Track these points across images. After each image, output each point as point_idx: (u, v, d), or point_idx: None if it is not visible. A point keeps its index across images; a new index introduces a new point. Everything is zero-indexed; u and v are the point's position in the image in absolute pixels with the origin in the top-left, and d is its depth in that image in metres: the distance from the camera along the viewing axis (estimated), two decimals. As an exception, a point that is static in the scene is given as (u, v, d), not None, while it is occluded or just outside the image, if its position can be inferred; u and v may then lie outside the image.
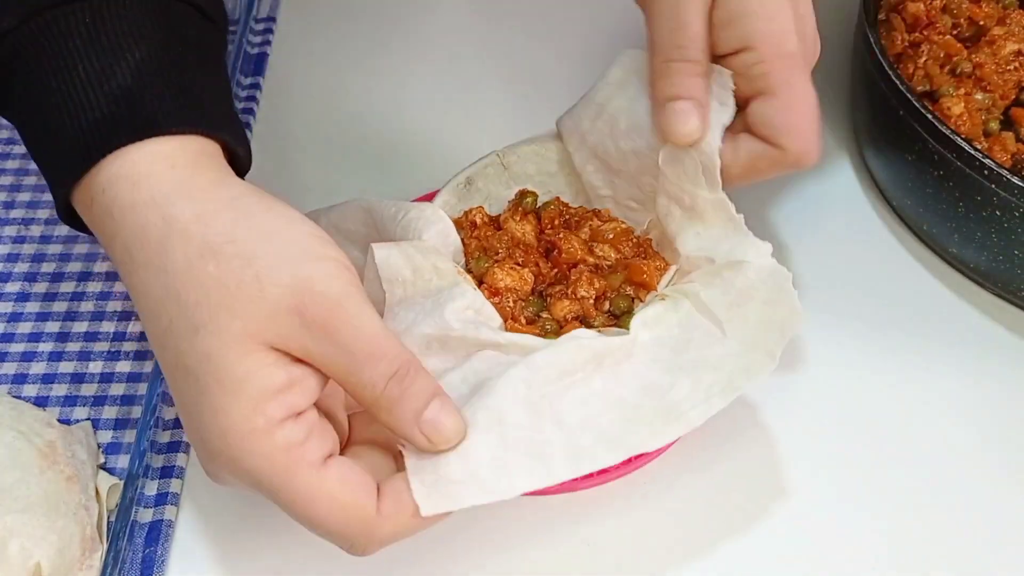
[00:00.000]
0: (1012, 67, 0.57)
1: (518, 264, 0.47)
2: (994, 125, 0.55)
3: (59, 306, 0.54)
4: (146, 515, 0.46)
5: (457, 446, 0.39)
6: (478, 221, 0.50)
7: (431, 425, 0.38)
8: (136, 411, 0.49)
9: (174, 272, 0.37)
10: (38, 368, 0.51)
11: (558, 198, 0.51)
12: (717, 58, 0.46)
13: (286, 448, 0.36)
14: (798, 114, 0.45)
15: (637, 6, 0.49)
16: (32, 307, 0.54)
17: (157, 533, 0.45)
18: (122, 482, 0.46)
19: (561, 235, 0.49)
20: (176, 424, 0.49)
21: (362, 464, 0.38)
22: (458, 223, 0.49)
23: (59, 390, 0.50)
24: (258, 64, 0.67)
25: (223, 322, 0.36)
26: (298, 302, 0.36)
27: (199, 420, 0.37)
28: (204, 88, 0.42)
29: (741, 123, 0.47)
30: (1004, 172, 0.50)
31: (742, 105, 0.47)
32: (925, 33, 0.59)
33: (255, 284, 0.36)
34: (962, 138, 0.51)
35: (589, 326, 0.46)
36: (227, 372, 0.36)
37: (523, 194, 0.51)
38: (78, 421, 0.49)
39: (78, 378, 0.51)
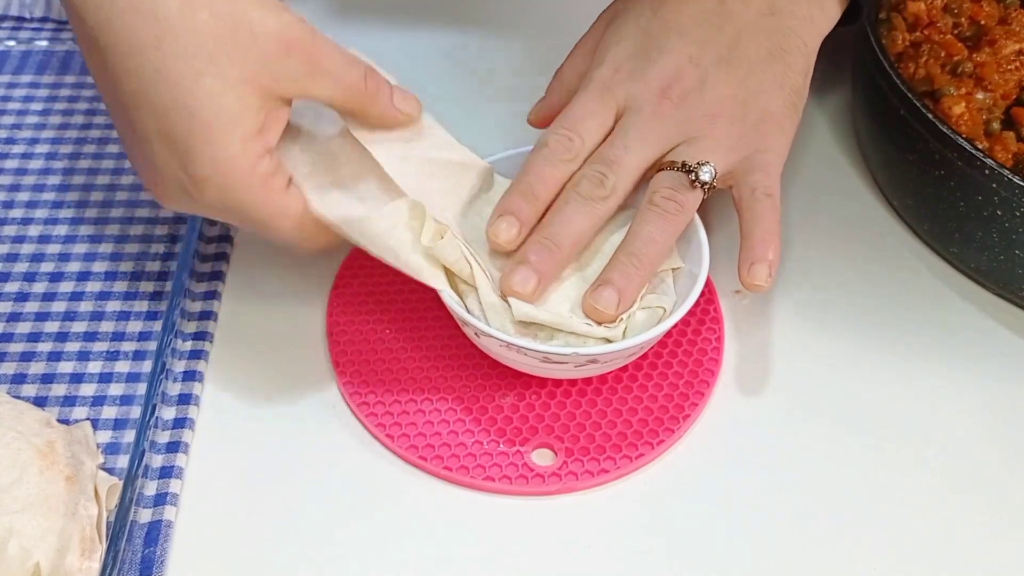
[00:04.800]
0: (1013, 66, 0.57)
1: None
2: (995, 125, 0.55)
3: (58, 306, 0.54)
4: (145, 515, 0.46)
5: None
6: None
7: (402, 98, 0.47)
8: (135, 411, 0.49)
9: (166, 19, 0.40)
10: (37, 368, 0.51)
11: None
12: None
13: (263, 177, 0.43)
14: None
15: None
16: (31, 307, 0.54)
17: (156, 533, 0.45)
18: (121, 482, 0.45)
19: None
20: (176, 424, 0.49)
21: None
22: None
23: (58, 390, 0.50)
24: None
25: (223, 67, 0.41)
26: (285, 44, 0.42)
27: (188, 152, 0.42)
28: None
29: None
30: (1005, 172, 0.50)
31: None
32: (926, 33, 0.59)
33: (248, 33, 0.41)
34: (963, 138, 0.51)
35: None
36: (226, 110, 0.41)
37: None
38: (77, 421, 0.49)
39: (77, 378, 0.51)
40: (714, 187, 0.48)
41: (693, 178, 0.48)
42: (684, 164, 0.48)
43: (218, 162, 0.42)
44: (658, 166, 0.49)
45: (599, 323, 0.47)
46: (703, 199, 0.48)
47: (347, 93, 0.45)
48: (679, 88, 0.50)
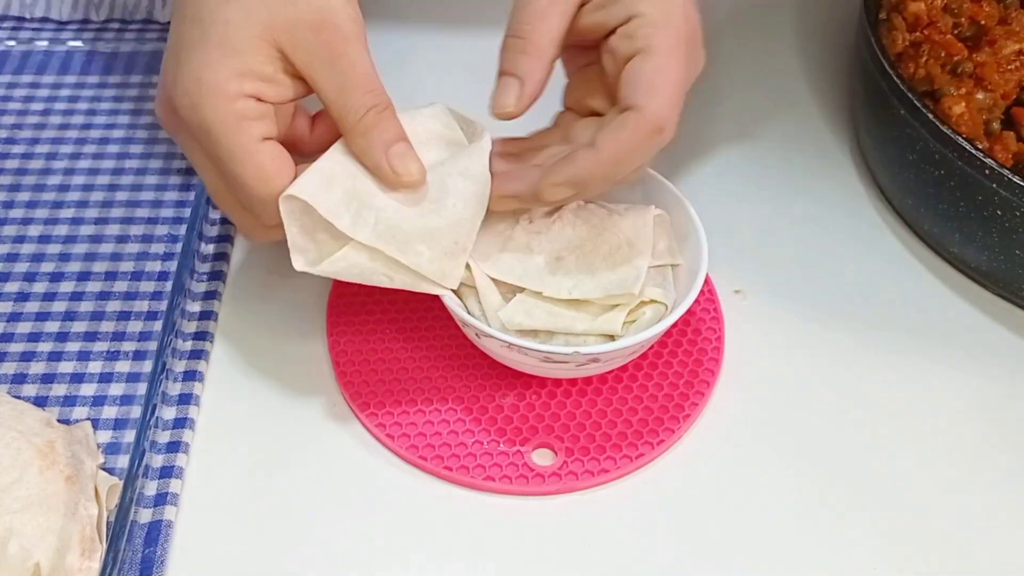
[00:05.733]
0: (1013, 66, 0.57)
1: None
2: (995, 125, 0.55)
3: (58, 306, 0.54)
4: (145, 515, 0.46)
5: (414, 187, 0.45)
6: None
7: (398, 158, 0.45)
8: (135, 411, 0.49)
9: None
10: (37, 368, 0.51)
11: None
12: (608, 34, 0.47)
13: (240, 115, 0.44)
14: (665, 76, 0.45)
15: None
16: (31, 307, 0.54)
17: (156, 533, 0.45)
18: (121, 482, 0.45)
19: None
20: (176, 424, 0.49)
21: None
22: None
23: (59, 390, 0.50)
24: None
25: (252, 7, 0.44)
26: (319, 22, 0.44)
27: (186, 64, 0.44)
28: None
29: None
30: (1005, 172, 0.50)
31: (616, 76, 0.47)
32: (926, 33, 0.59)
33: None
34: (963, 138, 0.51)
35: None
36: (233, 41, 0.44)
37: None
38: (78, 421, 0.49)
39: (77, 378, 0.51)
40: None
41: None
42: None
43: (201, 81, 0.44)
44: None
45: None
46: None
47: (342, 110, 0.44)
48: None
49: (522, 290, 0.48)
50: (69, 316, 0.53)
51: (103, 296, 0.54)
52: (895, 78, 0.54)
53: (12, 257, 0.56)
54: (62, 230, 0.57)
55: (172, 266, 0.55)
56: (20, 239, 0.57)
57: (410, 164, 0.45)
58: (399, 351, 0.52)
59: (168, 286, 0.54)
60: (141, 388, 0.50)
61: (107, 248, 0.57)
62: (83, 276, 0.55)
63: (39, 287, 0.55)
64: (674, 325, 0.48)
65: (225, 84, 0.43)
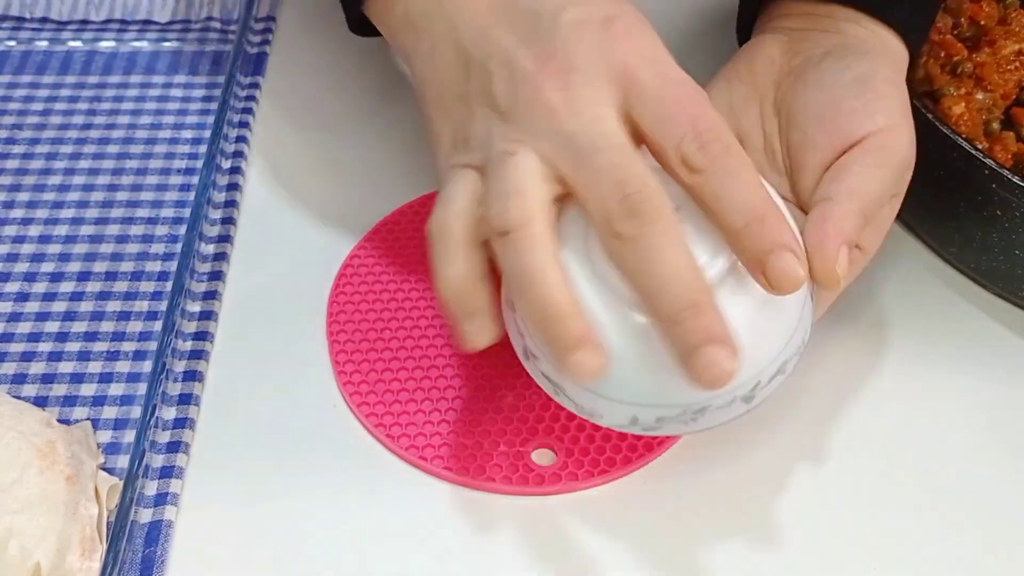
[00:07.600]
0: (1013, 67, 0.57)
1: None
2: (995, 125, 0.55)
3: (58, 306, 0.54)
4: (145, 515, 0.46)
5: None
6: None
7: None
8: (135, 411, 0.49)
9: None
10: (37, 368, 0.51)
11: None
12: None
13: (603, 126, 0.41)
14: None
15: None
16: (31, 307, 0.54)
17: (157, 533, 0.45)
18: (122, 482, 0.45)
19: None
20: (176, 424, 0.49)
21: None
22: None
23: (58, 390, 0.50)
24: (258, 64, 0.67)
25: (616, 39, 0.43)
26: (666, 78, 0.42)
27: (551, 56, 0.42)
28: None
29: None
30: (1005, 172, 0.50)
31: None
32: (926, 33, 0.59)
33: None
34: (963, 138, 0.51)
35: None
36: (595, 70, 0.42)
37: None
38: (77, 421, 0.49)
39: (77, 378, 0.51)
40: None
41: None
42: None
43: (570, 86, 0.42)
44: None
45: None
46: None
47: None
48: None
49: None
50: (69, 316, 0.53)
51: (103, 296, 0.54)
52: (895, 78, 0.54)
53: (12, 257, 0.56)
54: (62, 230, 0.57)
55: (172, 266, 0.55)
56: (20, 239, 0.57)
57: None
58: (399, 351, 0.52)
59: (168, 286, 0.54)
60: (141, 388, 0.50)
61: (107, 248, 0.57)
62: (83, 276, 0.55)
63: (39, 287, 0.55)
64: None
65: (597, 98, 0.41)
